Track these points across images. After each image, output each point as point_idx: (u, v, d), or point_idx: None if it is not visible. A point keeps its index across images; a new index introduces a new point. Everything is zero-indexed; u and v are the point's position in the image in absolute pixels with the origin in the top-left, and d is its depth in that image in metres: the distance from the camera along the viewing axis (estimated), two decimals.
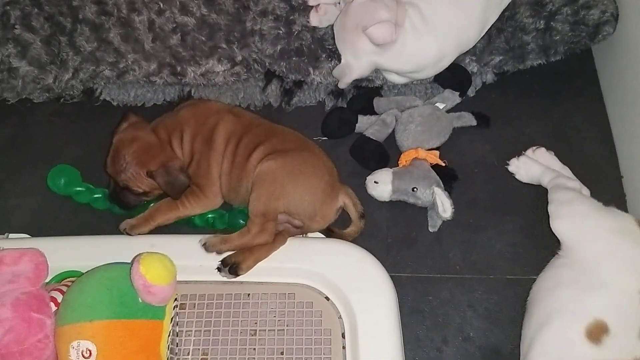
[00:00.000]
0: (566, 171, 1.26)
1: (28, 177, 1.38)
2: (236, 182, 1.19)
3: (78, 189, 1.30)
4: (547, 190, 1.25)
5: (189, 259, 1.12)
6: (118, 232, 1.20)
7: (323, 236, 1.20)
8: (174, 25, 1.42)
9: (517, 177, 1.28)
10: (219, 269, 1.11)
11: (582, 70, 1.45)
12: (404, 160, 1.29)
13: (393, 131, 1.34)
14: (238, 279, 1.12)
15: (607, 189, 1.26)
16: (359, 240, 1.19)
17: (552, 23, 1.37)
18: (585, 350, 0.96)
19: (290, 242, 1.15)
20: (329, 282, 1.11)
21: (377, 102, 1.37)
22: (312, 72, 1.39)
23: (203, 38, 1.42)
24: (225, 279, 1.12)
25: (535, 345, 1.00)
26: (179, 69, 1.41)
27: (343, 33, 1.33)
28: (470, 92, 1.41)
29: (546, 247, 1.19)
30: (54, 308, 1.01)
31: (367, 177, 1.28)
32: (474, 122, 1.36)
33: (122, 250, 1.09)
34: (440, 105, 1.35)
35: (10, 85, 1.44)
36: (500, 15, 1.37)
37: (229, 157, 1.20)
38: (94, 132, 1.41)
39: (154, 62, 1.41)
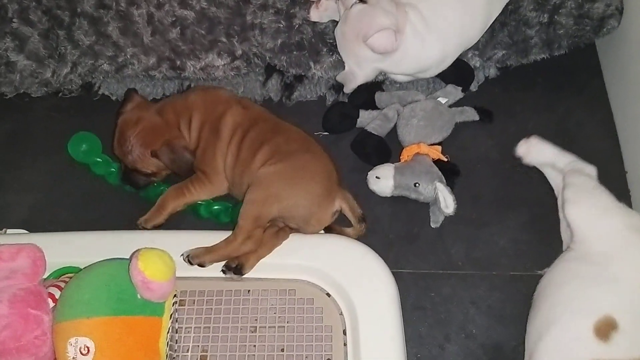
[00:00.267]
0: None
1: (26, 173, 1.38)
2: (239, 178, 1.19)
3: (97, 159, 1.31)
4: (550, 186, 1.25)
5: None
6: (116, 227, 1.19)
7: (323, 232, 1.19)
8: (174, 19, 1.41)
9: (524, 160, 1.25)
10: (224, 272, 1.10)
11: (586, 65, 1.44)
12: (405, 155, 1.28)
13: (395, 126, 1.33)
14: None
15: (611, 185, 1.23)
16: (361, 236, 1.18)
17: (556, 17, 1.36)
18: (592, 347, 0.94)
19: (291, 238, 1.14)
20: (330, 278, 1.10)
21: (379, 97, 1.36)
22: (312, 66, 1.39)
23: (203, 32, 1.41)
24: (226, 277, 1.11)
25: (542, 343, 0.99)
26: (178, 63, 1.40)
27: (344, 42, 1.32)
28: (473, 87, 1.40)
29: (550, 243, 1.18)
30: (51, 304, 1.00)
31: (368, 173, 1.27)
32: (476, 117, 1.35)
33: (120, 246, 1.08)
34: (443, 100, 1.34)
35: (8, 80, 1.43)
36: (503, 9, 1.36)
37: (234, 150, 1.19)
38: (93, 127, 1.39)
39: (153, 56, 1.40)
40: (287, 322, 1.07)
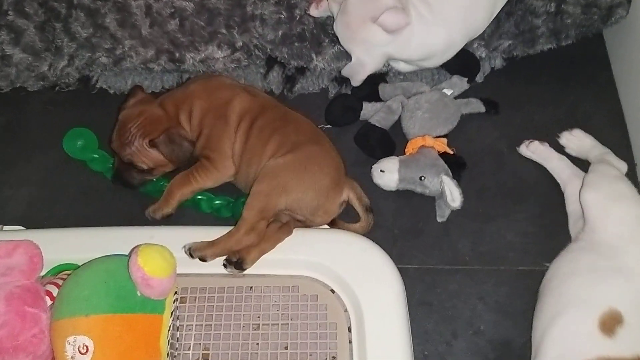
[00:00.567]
0: (565, 161, 1.24)
1: (23, 168, 1.36)
2: (246, 166, 1.19)
3: (94, 155, 1.29)
4: (556, 181, 1.23)
5: None
6: (115, 223, 1.18)
7: (328, 227, 1.18)
8: (172, 10, 1.40)
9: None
10: (224, 266, 1.09)
11: (594, 55, 1.43)
12: (410, 148, 1.27)
13: (399, 118, 1.31)
14: None
15: None
16: (368, 230, 1.17)
17: (563, 6, 1.35)
18: (597, 342, 0.92)
19: (295, 233, 1.12)
20: (334, 274, 1.08)
21: (383, 89, 1.35)
22: (314, 57, 1.37)
23: (202, 23, 1.39)
24: (228, 271, 1.09)
25: (547, 336, 0.97)
26: (177, 55, 1.38)
27: (349, 32, 1.29)
28: (479, 78, 1.38)
29: (558, 237, 1.16)
30: (49, 302, 0.99)
31: (372, 166, 1.26)
32: (482, 109, 1.34)
33: (119, 242, 1.06)
34: (448, 92, 1.32)
35: (4, 74, 1.42)
36: None
37: (242, 136, 1.19)
38: (91, 121, 1.38)
39: (151, 48, 1.39)
40: (291, 319, 1.06)
